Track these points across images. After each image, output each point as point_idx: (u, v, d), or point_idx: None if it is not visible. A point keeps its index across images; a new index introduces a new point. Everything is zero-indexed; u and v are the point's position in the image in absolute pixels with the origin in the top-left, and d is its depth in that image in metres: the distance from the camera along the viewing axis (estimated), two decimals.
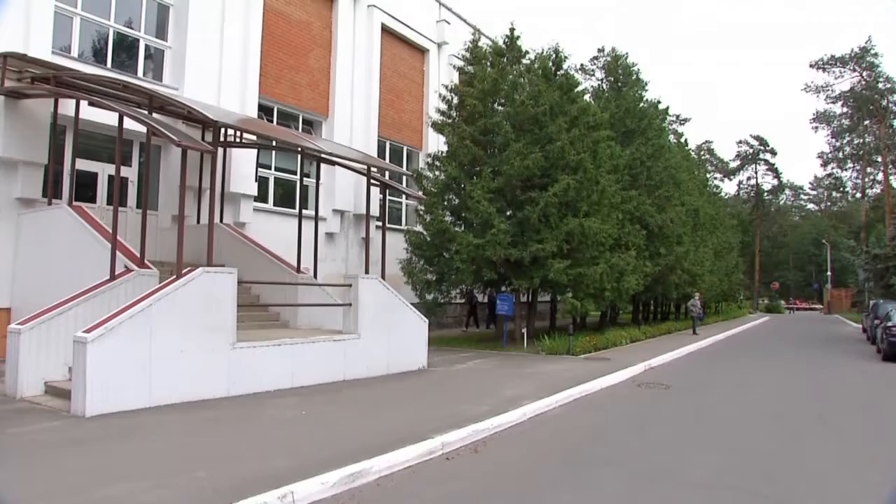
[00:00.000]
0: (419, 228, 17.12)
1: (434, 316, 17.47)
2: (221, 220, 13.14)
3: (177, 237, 8.88)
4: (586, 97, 19.68)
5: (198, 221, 13.33)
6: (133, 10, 13.23)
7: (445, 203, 16.43)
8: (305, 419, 7.49)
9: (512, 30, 17.47)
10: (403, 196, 20.41)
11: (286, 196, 16.67)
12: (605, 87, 25.11)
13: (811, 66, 56.42)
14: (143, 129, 9.37)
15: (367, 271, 13.04)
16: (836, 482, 5.81)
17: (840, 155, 60.55)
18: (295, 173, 16.35)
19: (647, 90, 24.53)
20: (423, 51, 21.62)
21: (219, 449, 6.02)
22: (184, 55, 13.61)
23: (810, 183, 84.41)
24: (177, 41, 13.79)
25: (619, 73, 24.26)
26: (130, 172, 12.88)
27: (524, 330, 16.54)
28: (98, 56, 12.68)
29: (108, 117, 10.52)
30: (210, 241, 9.12)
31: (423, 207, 16.52)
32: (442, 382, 10.60)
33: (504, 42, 17.44)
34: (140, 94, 10.59)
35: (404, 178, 18.58)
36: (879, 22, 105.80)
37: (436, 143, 20.17)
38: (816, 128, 59.92)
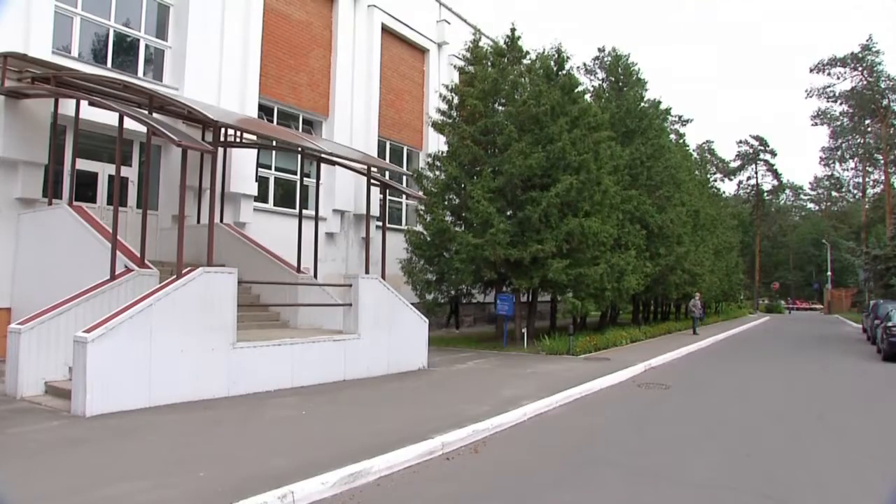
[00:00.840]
0: (419, 228, 17.12)
1: (434, 316, 17.45)
2: (221, 220, 13.13)
3: (177, 237, 8.88)
4: (587, 97, 19.67)
5: (198, 221, 13.32)
6: (133, 10, 13.22)
7: (446, 203, 16.43)
8: (305, 419, 7.49)
9: (513, 30, 17.47)
10: (403, 196, 20.41)
11: (286, 196, 16.67)
12: (605, 87, 25.10)
13: (811, 70, 56.41)
14: (144, 129, 9.37)
15: (367, 271, 13.03)
16: (837, 482, 5.81)
17: (840, 154, 60.54)
18: (295, 173, 16.35)
19: (647, 90, 24.56)
20: (423, 51, 21.61)
21: (219, 449, 6.02)
22: (184, 55, 13.60)
23: (810, 183, 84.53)
24: (177, 41, 13.79)
25: (620, 72, 24.26)
26: (130, 172, 12.88)
27: (524, 330, 16.54)
28: (98, 56, 12.68)
29: (108, 117, 10.53)
30: (210, 241, 9.12)
31: (423, 207, 16.53)
32: (442, 382, 10.60)
33: (505, 42, 17.43)
34: (140, 94, 10.58)
35: (404, 178, 18.58)
36: (880, 21, 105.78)
37: (436, 143, 20.17)
38: (816, 123, 59.90)
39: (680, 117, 57.35)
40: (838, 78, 55.04)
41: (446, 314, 21.20)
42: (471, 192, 15.09)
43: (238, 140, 13.17)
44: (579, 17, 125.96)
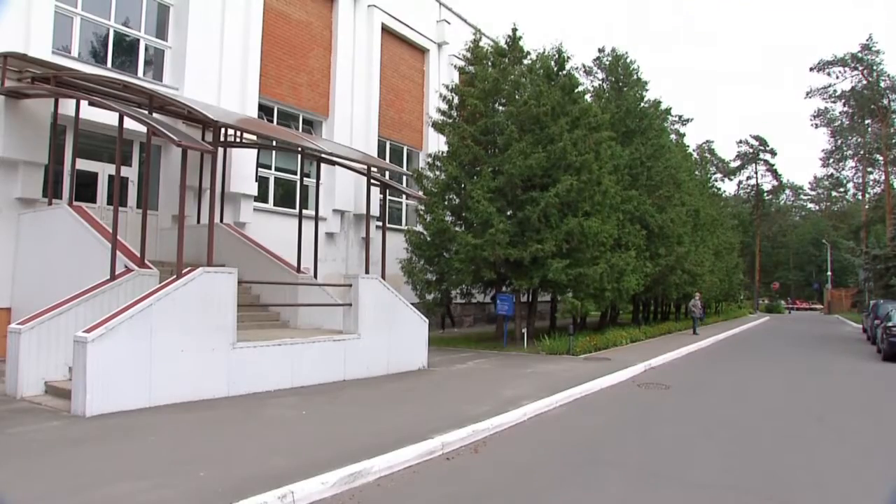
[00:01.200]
0: (419, 228, 17.12)
1: (434, 316, 17.44)
2: (221, 220, 13.13)
3: (177, 237, 8.87)
4: (587, 97, 19.66)
5: (198, 221, 13.33)
6: (133, 10, 13.23)
7: (446, 203, 16.43)
8: (305, 419, 7.49)
9: (514, 30, 17.46)
10: (403, 196, 20.41)
11: (286, 196, 16.67)
12: (605, 87, 25.08)
13: (811, 70, 56.45)
14: (144, 129, 9.37)
15: (367, 271, 13.03)
16: (837, 482, 5.81)
17: (840, 154, 60.59)
18: (295, 173, 16.35)
19: (647, 90, 24.56)
20: (423, 51, 21.61)
21: (219, 449, 6.02)
22: (184, 55, 13.61)
23: (810, 183, 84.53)
24: (177, 41, 13.79)
25: (620, 72, 24.23)
26: (130, 172, 12.88)
27: (524, 330, 16.53)
28: (98, 56, 12.68)
29: (108, 117, 10.53)
30: (210, 241, 9.12)
31: (423, 207, 16.53)
32: (442, 382, 10.60)
33: (506, 42, 17.43)
34: (140, 94, 10.59)
35: (404, 178, 18.58)
36: (880, 21, 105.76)
37: (436, 143, 20.18)
38: (816, 125, 59.98)
39: (680, 117, 57.39)
40: (838, 78, 55.15)
41: (440, 316, 21.07)
42: (471, 192, 15.08)
43: (238, 140, 13.18)
44: (579, 17, 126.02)
